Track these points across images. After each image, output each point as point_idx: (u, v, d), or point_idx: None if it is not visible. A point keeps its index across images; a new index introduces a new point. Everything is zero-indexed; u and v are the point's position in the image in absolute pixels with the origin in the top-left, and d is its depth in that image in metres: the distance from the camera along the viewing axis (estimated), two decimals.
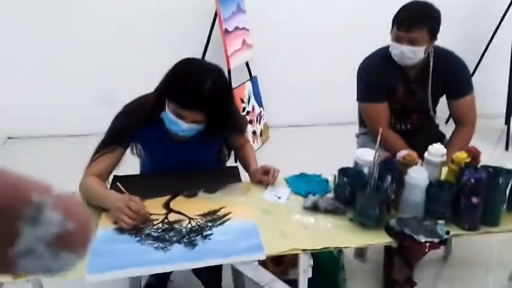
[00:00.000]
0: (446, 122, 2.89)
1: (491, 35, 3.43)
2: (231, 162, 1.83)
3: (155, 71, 3.54)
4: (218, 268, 1.66)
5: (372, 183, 1.31)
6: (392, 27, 1.79)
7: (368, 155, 1.49)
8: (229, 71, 3.04)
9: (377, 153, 1.35)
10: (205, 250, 1.15)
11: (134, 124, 1.42)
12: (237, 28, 3.13)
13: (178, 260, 1.11)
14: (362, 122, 2.18)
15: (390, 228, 1.26)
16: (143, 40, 3.32)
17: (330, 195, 1.46)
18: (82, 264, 1.11)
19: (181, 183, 1.45)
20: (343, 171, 1.43)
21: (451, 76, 1.87)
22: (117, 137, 1.44)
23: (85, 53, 3.30)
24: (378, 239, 1.25)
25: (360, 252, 2.10)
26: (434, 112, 2.02)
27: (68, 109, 3.43)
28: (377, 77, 1.90)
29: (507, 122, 3.48)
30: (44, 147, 3.31)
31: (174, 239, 1.19)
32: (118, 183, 1.33)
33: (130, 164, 1.57)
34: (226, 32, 2.99)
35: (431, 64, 1.86)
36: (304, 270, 1.24)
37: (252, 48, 3.33)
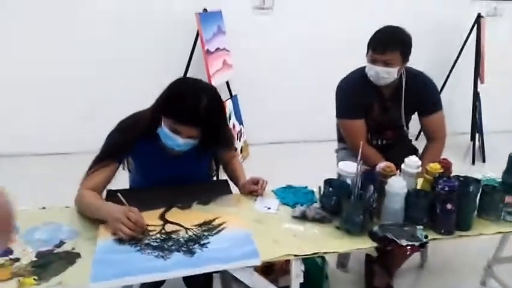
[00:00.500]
0: (417, 138, 3.07)
1: (455, 58, 3.69)
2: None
3: (138, 89, 3.64)
4: (209, 279, 1.71)
5: (356, 193, 1.41)
6: (368, 50, 1.94)
7: (349, 168, 1.60)
8: None
9: (359, 166, 1.45)
10: (203, 257, 1.21)
11: (130, 139, 1.48)
12: (217, 49, 3.25)
13: (179, 267, 1.17)
14: (340, 138, 2.30)
15: (374, 233, 1.36)
16: (126, 58, 3.38)
17: (317, 205, 1.55)
18: (85, 273, 1.15)
19: (175, 196, 1.51)
20: (328, 183, 1.53)
21: (422, 94, 2.03)
22: (112, 152, 1.49)
23: (67, 71, 3.33)
24: (363, 244, 1.35)
25: (342, 263, 2.20)
26: (407, 128, 2.16)
27: (51, 127, 3.41)
28: (355, 96, 2.03)
29: (472, 139, 3.72)
30: (29, 164, 3.28)
31: (173, 247, 1.24)
32: (119, 195, 1.37)
33: (118, 178, 1.60)
34: (208, 52, 3.10)
35: (404, 84, 2.02)
36: (297, 275, 1.31)
37: (231, 68, 3.45)
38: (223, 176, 1.80)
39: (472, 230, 1.45)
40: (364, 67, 2.03)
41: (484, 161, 3.62)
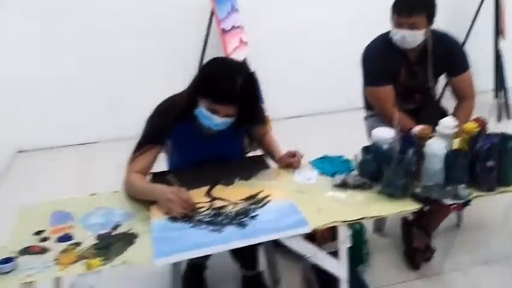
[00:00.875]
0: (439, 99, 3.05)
1: (473, 16, 3.61)
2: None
3: (157, 72, 3.66)
4: (254, 250, 1.77)
5: (395, 157, 1.44)
6: (392, 14, 1.92)
7: (384, 133, 1.62)
8: None
9: (398, 130, 1.47)
10: (255, 229, 1.26)
11: (168, 122, 1.53)
12: (233, 27, 3.24)
13: (233, 239, 1.22)
14: (368, 106, 2.31)
15: (417, 195, 1.39)
16: (142, 43, 3.40)
17: (355, 172, 1.58)
18: (145, 251, 1.22)
19: (216, 174, 1.55)
20: (366, 149, 1.56)
21: (449, 55, 2.02)
22: (154, 136, 1.54)
23: (86, 57, 3.35)
24: (406, 207, 1.38)
25: (379, 227, 2.24)
26: (435, 90, 2.16)
27: (77, 118, 3.48)
28: (381, 62, 2.03)
29: (496, 96, 3.67)
30: (54, 157, 3.37)
31: (224, 221, 1.30)
32: (171, 175, 1.43)
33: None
34: (224, 31, 3.09)
35: (430, 46, 2.00)
36: (344, 241, 1.36)
37: (247, 45, 3.44)
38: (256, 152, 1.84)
39: None
40: (388, 32, 2.01)
41: (509, 117, 3.58)
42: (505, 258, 2.07)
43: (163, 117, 1.54)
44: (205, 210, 1.37)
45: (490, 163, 1.39)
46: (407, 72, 2.05)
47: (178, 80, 3.46)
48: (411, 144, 1.46)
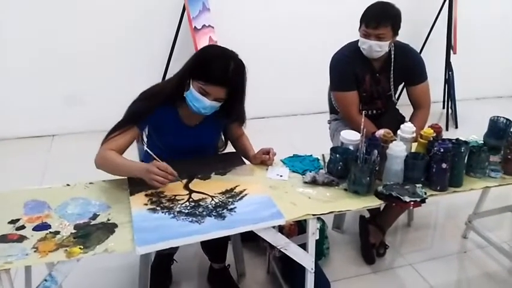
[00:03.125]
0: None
1: (429, 29, 3.88)
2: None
3: (125, 67, 3.64)
4: (225, 245, 1.84)
5: (361, 157, 1.56)
6: (360, 25, 2.06)
7: (351, 136, 1.74)
8: None
9: (363, 133, 1.60)
10: (234, 220, 1.33)
11: (152, 106, 1.58)
12: (204, 26, 3.28)
13: (213, 230, 1.28)
14: (332, 110, 2.45)
15: (379, 193, 1.52)
16: (110, 40, 3.36)
17: (323, 171, 1.69)
18: (126, 240, 1.25)
19: (193, 168, 1.61)
20: (334, 150, 1.67)
21: (410, 66, 2.19)
22: (135, 117, 1.58)
23: (50, 55, 3.27)
24: (371, 203, 1.51)
25: (338, 224, 2.38)
26: (395, 98, 2.33)
27: (35, 110, 3.38)
28: (348, 69, 2.16)
29: (445, 107, 3.96)
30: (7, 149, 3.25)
31: (204, 213, 1.36)
32: (147, 149, 1.51)
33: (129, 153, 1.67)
34: (195, 29, 3.13)
35: (393, 56, 2.16)
36: (313, 233, 1.46)
37: (217, 44, 3.49)
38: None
39: (463, 186, 1.63)
40: (355, 41, 2.15)
41: (456, 126, 3.87)
42: (449, 254, 2.27)
43: (148, 101, 1.59)
44: (184, 202, 1.42)
45: (444, 165, 1.54)
46: (372, 80, 2.20)
47: (143, 75, 3.50)
48: (376, 146, 1.59)
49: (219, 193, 1.48)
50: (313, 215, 1.42)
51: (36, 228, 1.32)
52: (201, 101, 1.52)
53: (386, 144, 1.63)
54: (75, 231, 1.31)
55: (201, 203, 1.42)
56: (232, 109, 1.62)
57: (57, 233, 1.30)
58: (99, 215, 1.39)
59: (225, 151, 1.90)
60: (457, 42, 3.75)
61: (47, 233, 1.30)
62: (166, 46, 3.35)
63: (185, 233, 1.26)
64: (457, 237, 2.40)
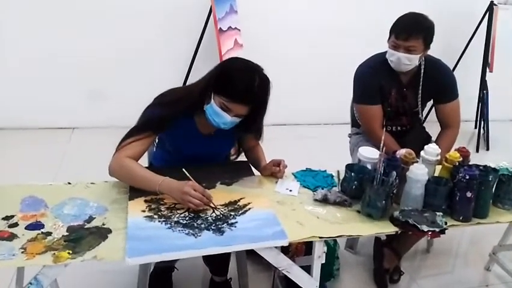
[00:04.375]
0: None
1: (464, 45, 3.69)
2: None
3: (149, 66, 3.60)
4: (227, 258, 1.75)
5: (378, 178, 1.44)
6: (390, 36, 1.94)
7: (370, 153, 1.63)
8: None
9: (383, 152, 1.48)
10: (232, 236, 1.24)
11: (173, 114, 1.50)
12: (229, 28, 3.22)
13: (209, 245, 1.20)
14: (354, 123, 2.32)
15: (395, 219, 1.40)
16: (136, 38, 3.35)
17: (336, 189, 1.59)
18: (118, 248, 1.18)
19: (199, 176, 1.53)
20: (349, 167, 1.56)
21: (440, 83, 2.05)
22: (155, 125, 1.50)
23: (77, 50, 3.29)
24: (385, 229, 1.39)
25: (351, 245, 2.26)
26: (422, 115, 2.19)
27: (58, 102, 3.40)
28: (373, 81, 2.04)
29: (477, 127, 3.75)
30: (27, 138, 3.27)
31: (202, 226, 1.28)
32: (184, 170, 1.42)
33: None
34: (221, 31, 3.07)
35: (422, 71, 2.03)
36: (319, 256, 1.36)
37: (242, 47, 3.43)
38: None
39: (488, 217, 1.49)
40: (383, 53, 2.03)
41: (487, 149, 3.67)
42: (469, 287, 2.11)
43: (170, 108, 1.50)
44: (183, 212, 1.34)
45: (468, 194, 1.41)
46: (398, 95, 2.07)
47: (166, 75, 3.47)
48: (395, 167, 1.47)
49: (222, 205, 1.39)
50: (320, 237, 1.31)
51: (29, 227, 1.27)
52: (222, 116, 1.44)
53: (406, 166, 1.50)
54: (67, 233, 1.25)
55: (201, 214, 1.34)
56: (253, 124, 1.55)
57: (49, 234, 1.25)
58: (95, 218, 1.33)
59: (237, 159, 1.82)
60: (494, 59, 3.54)
61: (39, 233, 1.25)
62: (191, 47, 3.31)
63: (179, 247, 1.18)
64: (479, 269, 2.23)
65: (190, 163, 1.57)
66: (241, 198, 1.44)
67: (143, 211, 1.33)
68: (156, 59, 3.45)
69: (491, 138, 3.70)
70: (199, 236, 1.23)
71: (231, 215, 1.34)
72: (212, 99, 1.45)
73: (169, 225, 1.27)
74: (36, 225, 1.28)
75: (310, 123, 3.85)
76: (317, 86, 3.76)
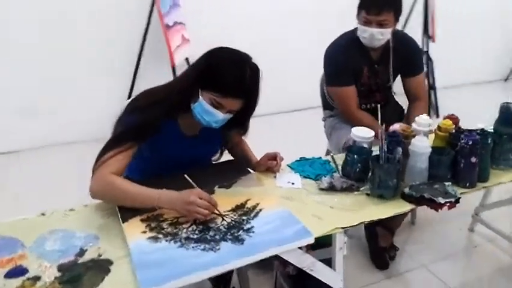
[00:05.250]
0: None
1: (404, 19, 3.77)
2: None
3: (91, 72, 3.27)
4: (231, 271, 1.62)
5: (383, 156, 1.39)
6: (359, 12, 1.89)
7: (364, 132, 1.57)
8: (173, 68, 2.94)
9: (383, 129, 1.43)
10: (254, 244, 1.11)
11: (157, 118, 1.32)
12: (175, 23, 3.03)
13: (233, 258, 1.06)
14: (326, 106, 2.27)
15: (408, 195, 1.35)
16: (73, 41, 3.03)
17: (337, 174, 1.51)
18: (127, 281, 1.01)
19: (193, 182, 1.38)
20: (350, 150, 1.49)
21: (409, 55, 2.05)
22: (138, 133, 1.31)
23: (3, 58, 2.91)
24: (400, 208, 1.34)
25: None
26: (392, 89, 2.19)
27: None
28: (345, 61, 1.99)
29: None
30: None
31: (217, 237, 1.14)
32: (186, 176, 1.25)
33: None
34: (167, 27, 2.88)
35: (391, 45, 2.01)
36: (340, 248, 1.27)
37: (189, 43, 3.25)
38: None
39: (490, 180, 1.50)
40: (351, 31, 1.99)
41: (438, 116, 3.82)
42: (461, 251, 2.16)
43: (149, 113, 1.32)
44: (190, 226, 1.19)
45: (473, 159, 1.40)
46: (370, 72, 2.04)
47: (108, 82, 3.18)
48: (398, 142, 1.42)
49: (229, 210, 1.26)
50: (343, 228, 1.23)
51: (9, 275, 1.05)
52: (213, 114, 1.30)
53: (407, 140, 1.46)
54: (60, 274, 1.05)
55: (210, 224, 1.19)
56: (245, 119, 1.43)
57: (38, 278, 1.04)
58: (87, 250, 1.14)
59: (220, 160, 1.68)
60: (435, 30, 3.67)
61: (25, 280, 1.04)
62: (134, 48, 3.07)
63: (201, 265, 1.03)
64: (463, 231, 2.29)
65: (173, 170, 1.41)
66: (247, 200, 1.31)
67: (144, 232, 1.16)
68: (93, 68, 3.14)
69: (440, 105, 3.86)
70: (218, 249, 1.09)
71: (243, 220, 1.21)
72: (200, 97, 1.30)
73: (179, 243, 1.11)
74: (17, 271, 1.06)
75: (275, 112, 3.74)
76: (273, 73, 3.66)
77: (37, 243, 1.17)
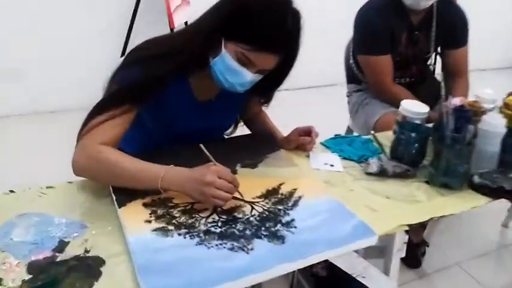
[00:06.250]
0: None
1: None
2: None
3: (80, 32, 2.87)
4: None
5: (451, 137, 1.10)
6: None
7: (417, 107, 1.29)
8: (171, 31, 2.60)
9: (450, 102, 1.14)
10: (299, 243, 0.82)
11: (161, 76, 1.00)
12: None
13: (275, 263, 0.77)
14: (352, 79, 1.98)
15: (480, 186, 1.08)
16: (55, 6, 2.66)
17: (384, 156, 1.22)
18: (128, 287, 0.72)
19: (207, 159, 1.07)
20: (404, 126, 1.20)
21: (454, 24, 1.77)
22: (135, 94, 0.99)
23: None
24: (475, 201, 1.06)
25: None
26: (433, 63, 1.91)
27: None
28: (383, 25, 1.69)
29: None
30: None
31: (248, 232, 0.84)
32: (202, 147, 0.93)
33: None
34: None
35: (435, 9, 1.72)
36: (399, 250, 1.00)
37: (190, 4, 2.90)
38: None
39: None
40: None
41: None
42: (497, 248, 1.92)
43: (156, 66, 0.99)
44: (210, 215, 0.89)
45: None
46: (409, 39, 1.75)
47: (98, 45, 2.82)
48: (468, 119, 1.14)
49: (259, 197, 0.96)
50: (409, 225, 0.94)
51: None
52: (239, 73, 0.99)
53: (476, 118, 1.18)
54: (30, 276, 0.75)
55: (236, 214, 0.90)
56: (276, 82, 1.11)
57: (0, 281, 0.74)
58: (69, 242, 0.84)
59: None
60: None
61: None
62: (127, 8, 2.72)
63: (231, 272, 0.74)
64: (497, 227, 2.05)
65: (179, 142, 1.11)
66: (280, 184, 1.01)
67: (148, 221, 0.86)
68: (83, 29, 2.78)
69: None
70: (251, 249, 0.80)
71: (279, 209, 0.92)
72: (223, 49, 0.98)
73: (198, 239, 0.81)
74: None
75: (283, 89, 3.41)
76: None
77: (1, 231, 0.86)
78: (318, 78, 3.46)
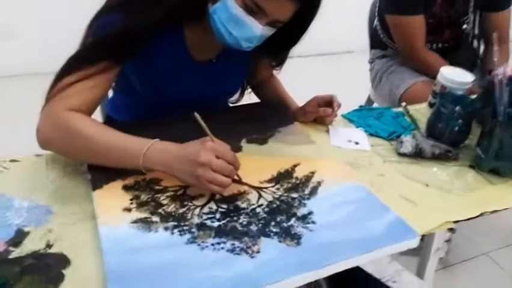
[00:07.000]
0: None
1: None
2: None
3: None
4: None
5: (503, 112, 0.90)
6: None
7: (459, 75, 1.08)
8: None
9: (503, 70, 0.93)
10: (322, 244, 0.64)
11: (149, 24, 0.79)
12: None
13: (289, 272, 0.59)
14: (377, 43, 1.75)
15: None
16: None
17: (419, 134, 1.02)
18: None
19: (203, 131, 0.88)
20: (445, 97, 0.99)
21: None
22: (117, 46, 0.79)
23: None
24: None
25: None
26: (473, 27, 1.67)
27: None
28: None
29: None
30: None
31: (253, 228, 0.66)
32: (197, 115, 0.72)
33: None
34: None
35: None
36: (438, 249, 0.82)
37: None
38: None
39: None
40: None
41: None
42: None
43: (142, 13, 0.78)
44: (205, 203, 0.71)
45: None
46: (444, 0, 1.51)
47: None
48: None
49: (267, 181, 0.77)
50: (456, 222, 0.75)
51: None
52: (245, 25, 0.78)
53: None
54: None
55: (239, 203, 0.71)
56: (292, 39, 0.89)
57: None
58: (29, 233, 0.66)
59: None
60: None
61: None
62: None
63: (228, 283, 0.56)
64: None
65: (173, 111, 0.92)
66: (295, 166, 0.82)
67: (128, 210, 0.68)
68: None
69: None
70: (257, 252, 0.61)
71: (293, 198, 0.73)
72: None
73: (189, 236, 0.63)
74: None
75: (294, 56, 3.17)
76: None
77: None
78: (332, 44, 3.21)
